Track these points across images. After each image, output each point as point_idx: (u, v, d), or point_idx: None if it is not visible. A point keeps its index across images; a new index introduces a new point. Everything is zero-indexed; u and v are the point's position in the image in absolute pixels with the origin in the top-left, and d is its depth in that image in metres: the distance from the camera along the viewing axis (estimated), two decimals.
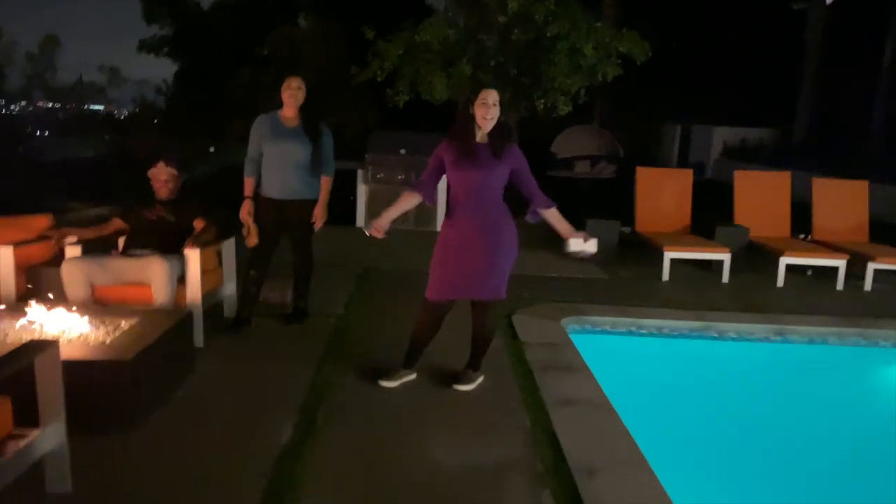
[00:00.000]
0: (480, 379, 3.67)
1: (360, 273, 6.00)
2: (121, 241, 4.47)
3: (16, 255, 4.08)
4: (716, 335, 4.97)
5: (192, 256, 4.00)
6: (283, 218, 4.39)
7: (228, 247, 4.56)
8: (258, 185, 4.43)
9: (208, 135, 15.30)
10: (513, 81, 9.48)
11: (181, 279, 4.01)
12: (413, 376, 3.68)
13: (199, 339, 4.05)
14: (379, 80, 9.75)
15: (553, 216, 3.45)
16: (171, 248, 4.19)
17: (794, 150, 15.71)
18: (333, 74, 15.39)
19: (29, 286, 4.26)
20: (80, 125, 14.20)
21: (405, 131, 8.91)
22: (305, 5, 18.96)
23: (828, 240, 6.87)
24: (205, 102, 17.21)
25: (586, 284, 6.01)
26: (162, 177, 4.41)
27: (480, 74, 9.38)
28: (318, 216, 4.35)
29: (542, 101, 9.22)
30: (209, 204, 4.44)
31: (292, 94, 4.26)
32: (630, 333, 4.94)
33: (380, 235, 3.35)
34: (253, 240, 4.39)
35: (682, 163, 17.57)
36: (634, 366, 4.56)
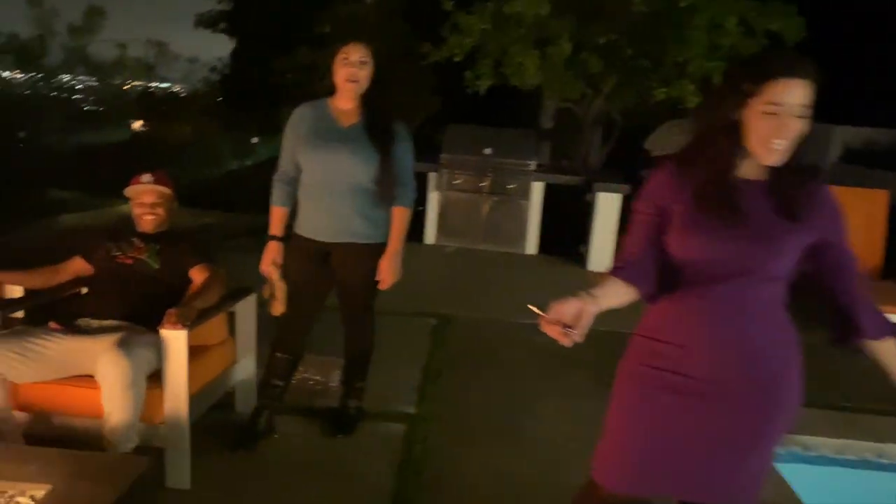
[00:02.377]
0: None
1: (436, 326, 4.31)
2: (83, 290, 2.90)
3: None
4: None
5: (174, 342, 2.37)
6: (330, 271, 2.74)
7: (245, 307, 2.93)
8: (292, 217, 2.78)
9: (257, 122, 13.90)
10: (625, 64, 7.62)
11: (158, 374, 2.40)
12: None
13: (182, 479, 2.44)
14: (457, 59, 8.02)
15: (891, 353, 1.65)
16: (149, 315, 2.59)
17: None
18: (392, 54, 13.75)
19: None
20: (119, 105, 13.01)
21: (487, 125, 7.18)
22: None
23: None
24: (257, 85, 15.80)
25: None
26: (146, 198, 2.81)
27: (585, 55, 7.54)
28: (386, 272, 2.68)
29: (665, 89, 7.33)
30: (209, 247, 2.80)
31: (352, 72, 2.57)
32: (867, 465, 3.12)
33: (567, 341, 1.54)
34: (279, 306, 2.75)
35: None
36: None
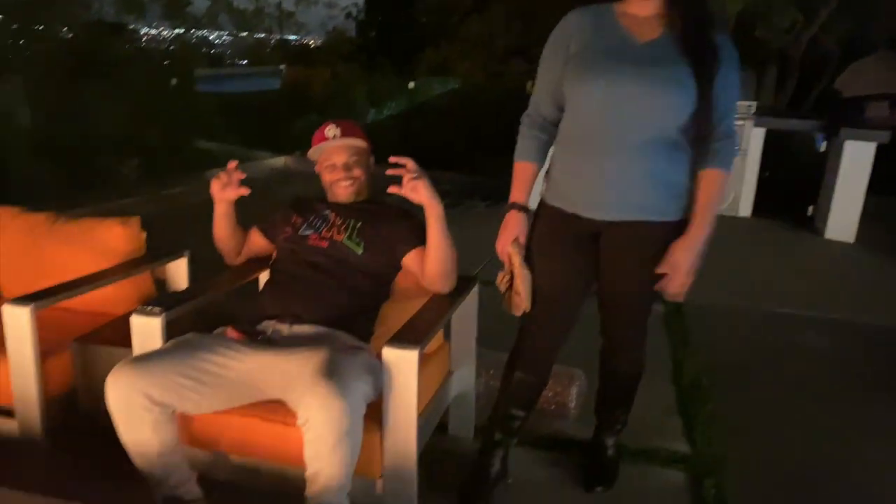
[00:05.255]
0: None
1: (666, 314, 3.39)
2: (262, 278, 2.24)
3: (51, 319, 1.98)
4: None
5: (402, 367, 1.63)
6: (595, 259, 1.89)
7: (466, 301, 2.15)
8: (544, 180, 1.94)
9: (400, 68, 13.19)
10: None
11: (371, 409, 1.68)
12: None
13: None
14: None
15: None
16: (352, 317, 1.90)
17: None
18: None
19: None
20: (260, 57, 12.75)
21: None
22: None
23: None
24: (395, 28, 15.10)
25: None
26: (337, 158, 2.06)
27: None
28: (680, 268, 1.78)
29: None
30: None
31: None
32: None
33: None
34: (523, 302, 1.92)
35: None
36: None
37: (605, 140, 1.74)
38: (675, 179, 1.76)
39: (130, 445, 1.62)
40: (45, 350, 1.93)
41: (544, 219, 1.91)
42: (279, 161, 7.27)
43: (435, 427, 2.07)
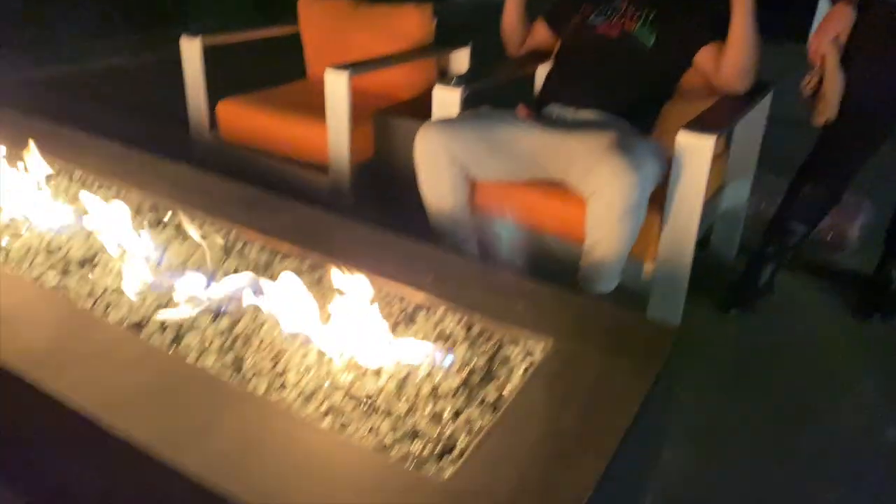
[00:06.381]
0: None
1: None
2: (539, 74, 2.28)
3: (363, 90, 2.22)
4: None
5: (696, 153, 1.60)
6: None
7: (757, 108, 2.01)
8: None
9: None
10: None
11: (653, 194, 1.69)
12: None
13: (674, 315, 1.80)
14: None
15: None
16: (638, 110, 1.89)
17: None
18: None
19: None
20: None
21: None
22: None
23: None
24: None
25: None
26: None
27: None
28: None
29: None
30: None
31: None
32: None
33: None
34: (828, 110, 1.75)
35: None
36: None
37: None
38: None
39: (428, 198, 1.82)
40: (351, 121, 2.18)
41: (873, 16, 1.69)
42: None
43: (699, 238, 2.05)
